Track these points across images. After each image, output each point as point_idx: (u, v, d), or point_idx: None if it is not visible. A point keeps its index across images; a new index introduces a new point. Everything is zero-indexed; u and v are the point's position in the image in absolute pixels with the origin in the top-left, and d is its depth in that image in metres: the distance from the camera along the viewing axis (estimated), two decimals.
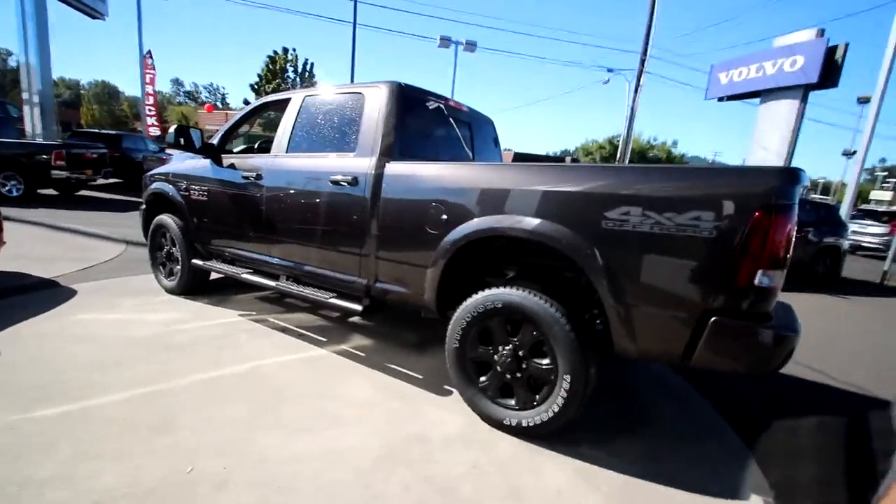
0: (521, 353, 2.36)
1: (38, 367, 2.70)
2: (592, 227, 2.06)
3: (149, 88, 19.98)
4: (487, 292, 2.42)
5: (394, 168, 2.77)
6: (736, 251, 1.79)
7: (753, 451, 2.47)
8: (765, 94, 14.66)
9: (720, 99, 16.21)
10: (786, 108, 14.18)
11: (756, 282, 1.79)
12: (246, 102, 29.52)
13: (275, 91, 26.59)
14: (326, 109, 3.26)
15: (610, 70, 19.24)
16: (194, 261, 4.04)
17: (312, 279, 3.28)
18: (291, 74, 27.94)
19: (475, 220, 2.38)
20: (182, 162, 4.17)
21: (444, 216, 2.51)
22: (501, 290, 2.38)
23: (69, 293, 4.07)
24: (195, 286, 4.30)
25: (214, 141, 3.81)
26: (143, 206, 4.53)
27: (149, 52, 19.54)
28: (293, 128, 3.36)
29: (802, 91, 13.71)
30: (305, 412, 2.46)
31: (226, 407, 2.43)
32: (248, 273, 3.63)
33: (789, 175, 1.78)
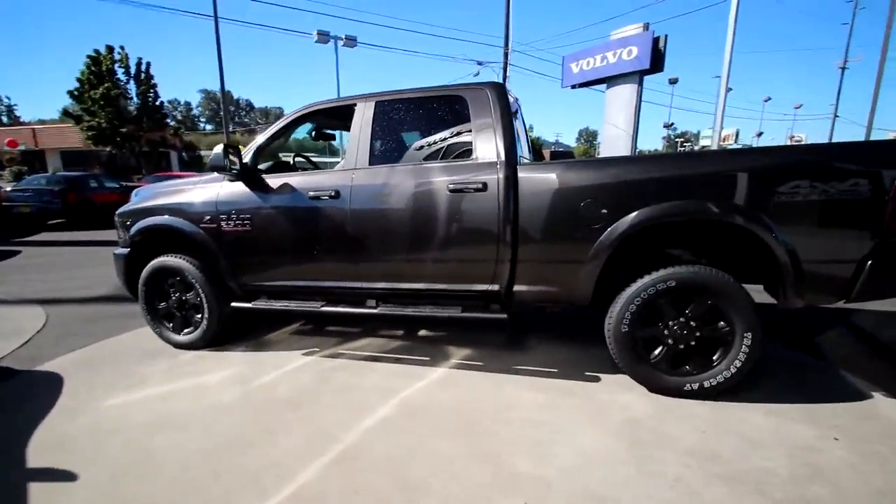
0: (693, 322, 2.56)
1: (141, 481, 2.05)
2: (769, 201, 2.33)
3: None
4: (656, 274, 2.55)
5: (530, 172, 2.70)
6: (888, 206, 2.23)
7: (839, 365, 3.07)
8: (610, 81, 16.84)
9: (574, 86, 18.23)
10: (627, 92, 16.58)
11: None
12: (67, 113, 23.51)
13: (105, 97, 22.05)
14: (413, 116, 2.98)
15: (479, 63, 20.26)
16: (234, 304, 3.35)
17: (421, 297, 3.01)
18: (123, 76, 23.39)
19: (649, 207, 2.47)
20: (185, 189, 3.39)
21: (604, 210, 2.55)
22: (672, 269, 2.53)
23: (50, 378, 3.05)
24: (222, 334, 3.57)
25: (247, 160, 3.18)
26: (126, 250, 3.57)
27: None
28: (372, 137, 2.99)
29: (638, 76, 16.17)
30: (519, 427, 2.32)
31: (440, 446, 2.16)
32: (322, 305, 3.15)
33: None
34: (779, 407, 2.51)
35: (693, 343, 2.58)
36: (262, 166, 3.41)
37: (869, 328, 3.77)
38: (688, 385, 2.60)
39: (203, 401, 2.70)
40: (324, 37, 17.27)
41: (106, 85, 21.93)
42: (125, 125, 23.94)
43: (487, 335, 3.68)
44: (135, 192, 3.89)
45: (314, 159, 4.90)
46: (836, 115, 29.34)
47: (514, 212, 2.67)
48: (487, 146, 2.76)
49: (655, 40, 15.54)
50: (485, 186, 2.70)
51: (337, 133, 4.25)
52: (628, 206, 2.51)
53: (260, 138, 3.26)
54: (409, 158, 2.94)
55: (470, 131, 2.85)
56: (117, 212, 3.69)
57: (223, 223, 3.22)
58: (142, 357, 3.40)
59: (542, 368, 3.04)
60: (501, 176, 2.69)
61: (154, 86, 25.34)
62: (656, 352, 2.65)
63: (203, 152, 40.08)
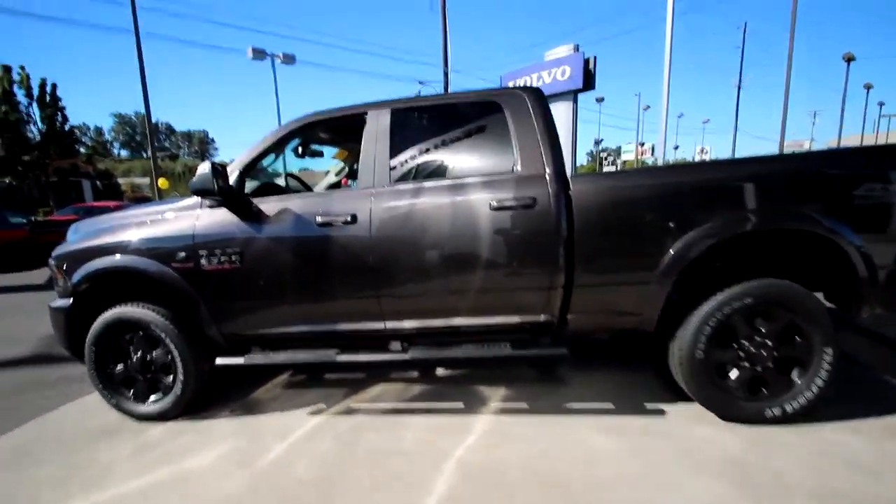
0: (770, 341, 2.32)
1: None
2: (847, 204, 2.16)
3: None
4: (730, 291, 2.28)
5: (584, 184, 2.36)
6: None
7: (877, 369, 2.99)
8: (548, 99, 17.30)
9: None
10: (564, 110, 17.05)
11: None
12: None
13: (2, 122, 19.20)
14: (438, 125, 2.54)
15: (421, 82, 20.13)
16: (220, 360, 2.67)
17: (457, 335, 2.55)
18: (24, 99, 20.52)
19: (731, 218, 2.20)
20: (147, 221, 2.69)
21: (672, 223, 2.26)
22: (746, 284, 2.28)
23: None
24: (199, 397, 2.85)
25: (232, 182, 2.56)
26: (67, 302, 2.77)
27: None
28: (391, 151, 2.51)
29: (573, 95, 16.81)
30: (620, 487, 1.91)
31: None
32: (337, 353, 2.57)
33: None
34: (862, 423, 2.32)
35: (770, 364, 2.34)
36: (247, 189, 2.79)
37: (875, 327, 3.80)
38: (769, 410, 2.34)
39: (200, 497, 2.03)
40: (259, 54, 16.26)
41: (3, 109, 19.13)
42: (28, 152, 21.06)
43: (513, 368, 3.26)
44: (72, 228, 3.09)
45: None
46: (736, 129, 32.59)
47: (569, 230, 2.31)
48: (532, 157, 2.39)
49: (586, 61, 16.21)
50: (534, 202, 2.32)
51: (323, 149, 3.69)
52: (702, 218, 2.24)
53: (246, 155, 2.66)
54: (441, 174, 2.50)
55: (436, 148, 2.53)
56: (53, 254, 2.87)
57: (204, 260, 2.56)
58: (96, 437, 2.61)
59: (596, 405, 2.67)
60: (552, 190, 2.32)
61: (61, 109, 22.54)
62: (732, 376, 2.38)
63: (120, 180, 36.44)
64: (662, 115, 11.23)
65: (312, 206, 2.54)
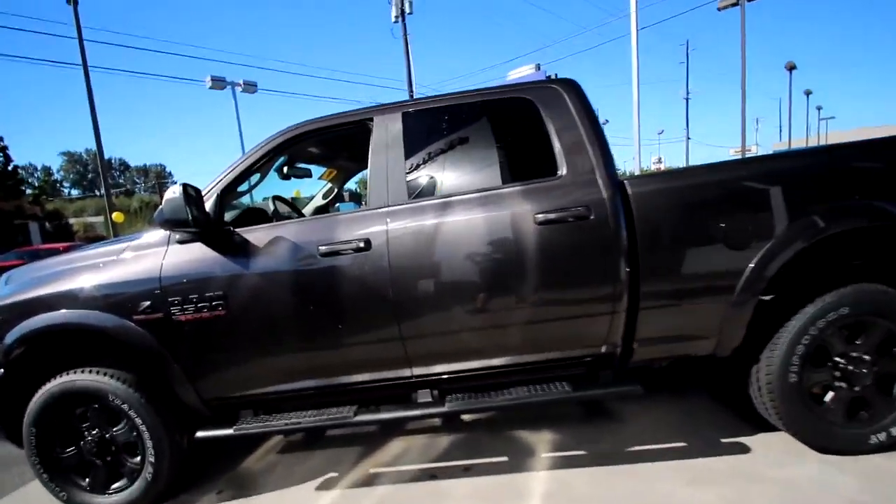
0: (868, 356, 1.97)
1: None
2: None
3: None
4: (823, 301, 1.93)
5: (645, 185, 1.98)
6: None
7: None
8: None
9: None
10: None
11: None
12: None
13: None
14: (461, 128, 2.12)
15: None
16: (201, 433, 2.10)
17: (498, 377, 2.09)
18: None
19: (819, 215, 1.86)
20: (98, 264, 2.12)
21: (754, 224, 1.90)
22: (839, 292, 1.93)
23: None
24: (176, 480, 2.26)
25: (208, 209, 2.04)
26: None
27: None
28: (406, 162, 2.06)
29: None
30: None
31: None
32: (355, 411, 2.05)
33: None
34: None
35: (870, 382, 1.98)
36: (226, 218, 2.28)
37: None
38: (873, 437, 1.98)
39: None
40: (219, 83, 15.54)
41: None
42: None
43: (559, 409, 2.78)
44: (3, 278, 2.47)
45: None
46: (688, 138, 33.86)
47: (631, 242, 1.92)
48: (578, 158, 2.00)
49: (548, 78, 16.45)
50: (587, 211, 1.91)
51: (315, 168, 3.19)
52: (792, 216, 1.89)
53: (224, 176, 2.15)
54: (397, 194, 2.04)
55: (459, 154, 2.16)
56: None
57: (175, 309, 2.01)
58: None
59: (667, 445, 2.25)
60: (607, 195, 1.93)
61: (4, 148, 21.08)
62: (827, 400, 2.01)
63: (72, 220, 34.16)
64: (635, 129, 11.28)
65: (312, 232, 2.05)
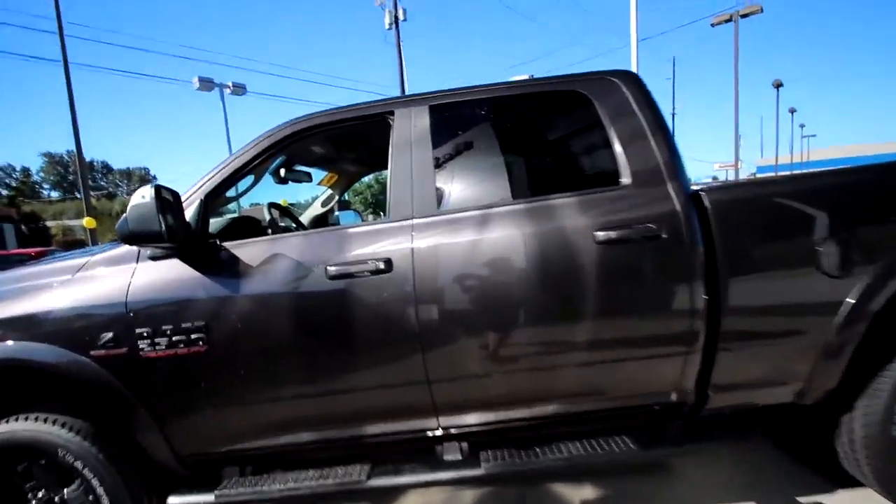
0: None
1: None
2: None
3: None
4: None
5: (726, 194, 1.65)
6: None
7: None
8: None
9: None
10: None
11: None
12: None
13: None
14: (501, 126, 1.77)
15: None
16: (175, 498, 1.68)
17: (541, 428, 1.72)
18: None
19: None
20: (49, 284, 1.69)
21: (853, 249, 1.57)
22: None
23: None
24: None
25: (190, 218, 1.64)
26: None
27: None
28: (436, 165, 1.69)
29: None
30: None
31: None
32: (368, 471, 1.65)
33: None
34: None
35: None
36: (211, 227, 1.88)
37: None
38: None
39: None
40: (207, 84, 14.98)
41: None
42: None
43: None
44: None
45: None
46: None
47: (710, 266, 1.57)
48: (644, 163, 1.65)
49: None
50: (658, 228, 1.56)
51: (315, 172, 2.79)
52: None
53: (210, 178, 1.74)
54: (424, 204, 1.67)
55: (498, 156, 1.79)
56: None
57: (144, 344, 1.60)
58: None
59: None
60: (679, 208, 1.59)
61: None
62: None
63: (50, 223, 32.90)
64: None
65: (318, 249, 1.67)
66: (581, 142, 1.79)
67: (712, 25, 15.70)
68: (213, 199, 1.76)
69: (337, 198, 3.14)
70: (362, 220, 3.96)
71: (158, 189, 1.46)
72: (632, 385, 1.66)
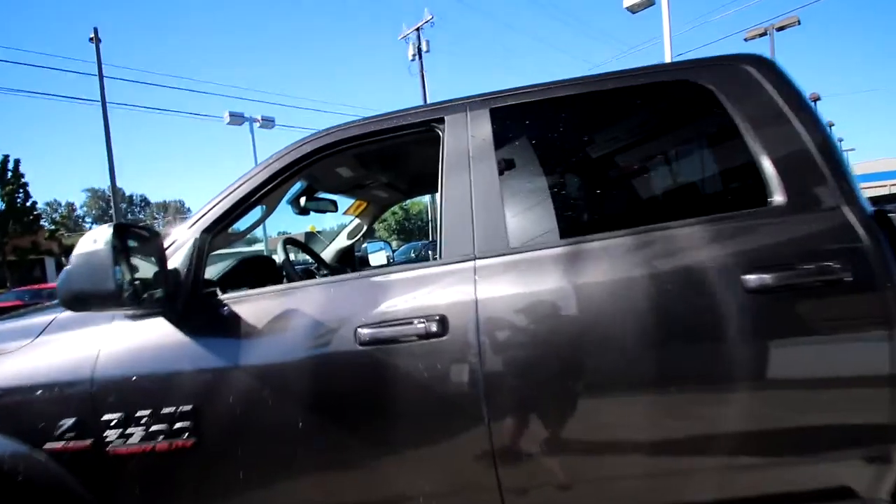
0: None
1: None
2: None
3: None
4: None
5: None
6: None
7: None
8: None
9: None
10: None
11: None
12: None
13: None
14: (588, 131, 1.32)
15: None
16: None
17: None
18: None
19: None
20: None
21: None
22: None
23: None
24: None
25: (180, 262, 1.23)
26: None
27: None
28: (503, 187, 1.24)
29: None
30: None
31: None
32: None
33: None
34: None
35: None
36: (213, 270, 1.47)
37: None
38: None
39: None
40: (237, 118, 15.25)
41: None
42: None
43: None
44: None
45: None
46: None
47: None
48: (801, 177, 1.16)
49: None
50: (840, 265, 1.06)
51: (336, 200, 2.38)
52: None
53: (209, 211, 1.33)
54: (489, 239, 1.19)
55: (592, 170, 1.32)
56: None
57: (114, 435, 1.17)
58: None
59: None
60: (864, 234, 1.08)
61: (24, 185, 21.09)
62: None
63: None
64: None
65: (345, 302, 1.22)
66: (702, 148, 1.31)
67: (745, 40, 15.10)
68: (214, 237, 1.35)
69: (365, 228, 2.73)
70: (393, 252, 3.54)
71: (121, 229, 1.06)
72: (796, 476, 1.12)
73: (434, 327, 1.11)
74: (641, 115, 1.36)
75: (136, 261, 1.14)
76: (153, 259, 1.12)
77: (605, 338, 1.10)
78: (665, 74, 1.32)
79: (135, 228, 1.09)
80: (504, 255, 1.17)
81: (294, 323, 1.18)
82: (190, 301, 1.23)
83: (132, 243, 1.08)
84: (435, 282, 1.19)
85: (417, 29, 19.70)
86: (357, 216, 2.71)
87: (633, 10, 10.24)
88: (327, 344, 1.16)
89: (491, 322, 1.12)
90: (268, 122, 16.12)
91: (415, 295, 1.18)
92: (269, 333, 1.19)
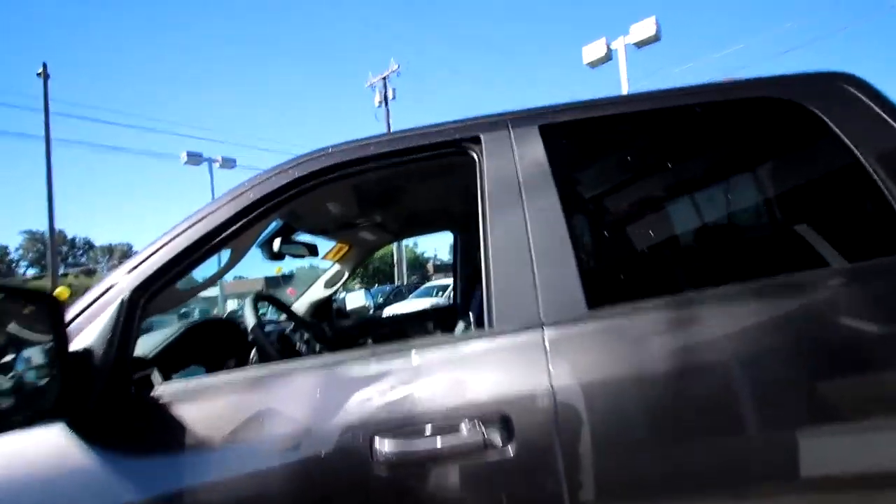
0: None
1: None
2: None
3: None
4: None
5: None
6: None
7: None
8: None
9: None
10: None
11: None
12: None
13: None
14: (660, 156, 1.03)
15: None
16: None
17: None
18: None
19: None
20: None
21: None
22: None
23: None
24: None
25: (95, 337, 0.81)
26: None
27: None
28: (570, 223, 0.91)
29: None
30: None
31: None
32: None
33: None
34: None
35: None
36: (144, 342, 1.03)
37: None
38: None
39: None
40: (195, 158, 14.54)
41: None
42: None
43: None
44: None
45: None
46: None
47: None
48: None
49: None
50: None
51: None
52: None
53: (144, 261, 0.92)
54: (557, 300, 0.86)
55: (675, 205, 1.04)
56: None
57: None
58: None
59: None
60: None
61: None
62: None
63: None
64: None
65: (346, 395, 0.82)
66: (805, 179, 1.05)
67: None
68: (151, 296, 0.93)
69: (346, 276, 2.34)
70: (374, 300, 3.12)
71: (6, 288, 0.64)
72: None
73: (493, 434, 0.73)
74: (725, 135, 1.10)
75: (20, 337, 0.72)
76: (45, 336, 0.70)
77: (737, 423, 0.76)
78: (752, 90, 1.05)
79: (15, 291, 0.68)
80: (583, 319, 0.82)
81: (274, 432, 0.77)
82: (108, 396, 0.80)
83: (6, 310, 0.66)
84: (482, 361, 0.82)
85: (384, 78, 20.04)
86: (338, 261, 2.31)
87: (592, 65, 10.96)
88: (330, 470, 0.74)
89: (575, 416, 0.75)
90: (228, 163, 15.49)
91: (453, 378, 0.80)
92: (230, 448, 0.77)
